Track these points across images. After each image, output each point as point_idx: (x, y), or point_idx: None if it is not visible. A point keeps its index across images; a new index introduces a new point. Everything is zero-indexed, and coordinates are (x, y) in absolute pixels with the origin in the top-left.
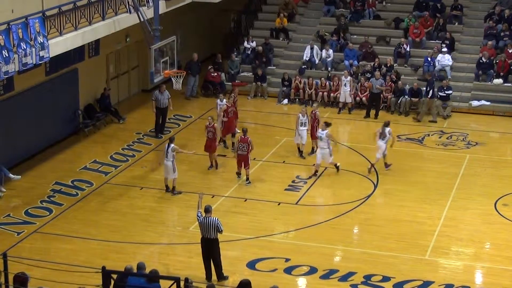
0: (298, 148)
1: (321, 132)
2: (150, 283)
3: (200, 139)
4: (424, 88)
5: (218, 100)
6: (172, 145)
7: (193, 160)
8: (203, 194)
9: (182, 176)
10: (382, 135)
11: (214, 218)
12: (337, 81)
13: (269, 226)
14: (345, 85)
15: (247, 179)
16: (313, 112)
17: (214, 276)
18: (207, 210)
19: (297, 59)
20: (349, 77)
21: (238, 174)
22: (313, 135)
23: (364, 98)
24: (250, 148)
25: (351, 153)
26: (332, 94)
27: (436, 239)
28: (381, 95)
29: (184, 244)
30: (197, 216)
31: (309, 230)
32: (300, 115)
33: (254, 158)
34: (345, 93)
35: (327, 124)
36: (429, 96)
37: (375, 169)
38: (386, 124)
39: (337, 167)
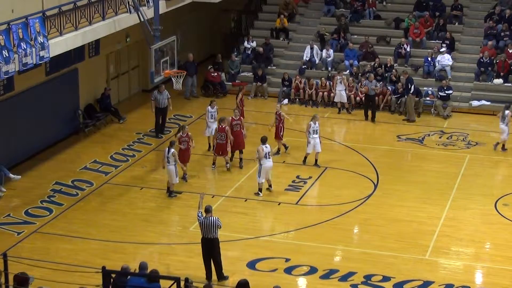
0: (305, 158)
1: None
2: (150, 283)
3: (200, 140)
4: (405, 87)
5: (209, 107)
6: (172, 149)
7: (193, 160)
8: (204, 194)
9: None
10: (502, 118)
11: (214, 218)
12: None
13: (269, 226)
14: (340, 83)
15: (227, 163)
16: (277, 112)
17: (214, 276)
18: (208, 210)
19: (297, 59)
20: (343, 77)
21: (214, 163)
22: (278, 136)
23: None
24: (227, 137)
25: (351, 153)
26: (331, 94)
27: (436, 239)
28: (376, 97)
29: (184, 244)
30: (198, 216)
31: (309, 230)
32: (312, 122)
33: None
34: (340, 92)
35: (263, 140)
36: (410, 93)
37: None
38: (507, 107)
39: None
